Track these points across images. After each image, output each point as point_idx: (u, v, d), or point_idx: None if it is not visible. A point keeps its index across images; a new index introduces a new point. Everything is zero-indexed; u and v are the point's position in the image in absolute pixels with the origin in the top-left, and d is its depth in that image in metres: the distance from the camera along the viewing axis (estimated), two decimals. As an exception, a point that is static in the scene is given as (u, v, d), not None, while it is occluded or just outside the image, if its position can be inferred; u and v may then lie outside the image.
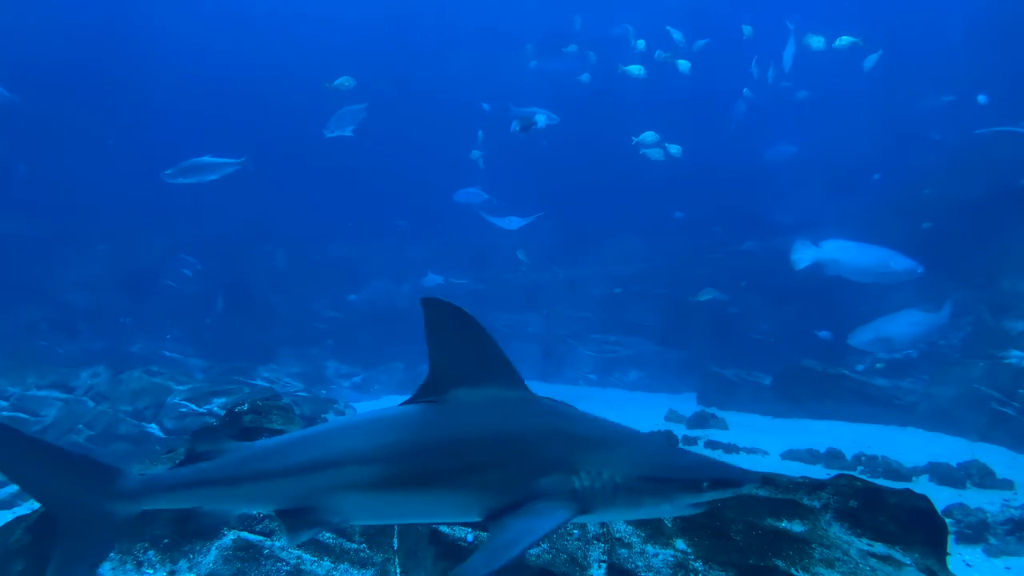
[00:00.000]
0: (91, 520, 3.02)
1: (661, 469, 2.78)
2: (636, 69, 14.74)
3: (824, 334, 13.62)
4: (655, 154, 14.56)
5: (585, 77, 18.64)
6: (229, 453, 3.06)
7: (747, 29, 17.07)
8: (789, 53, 16.51)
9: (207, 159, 11.78)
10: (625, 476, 2.69)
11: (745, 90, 18.55)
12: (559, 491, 2.68)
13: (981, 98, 15.38)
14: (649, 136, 14.30)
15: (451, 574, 2.45)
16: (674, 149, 14.61)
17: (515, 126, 12.41)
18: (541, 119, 14.03)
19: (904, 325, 12.43)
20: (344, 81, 13.09)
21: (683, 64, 15.44)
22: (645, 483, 2.72)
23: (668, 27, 17.27)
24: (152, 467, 4.97)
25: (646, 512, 2.94)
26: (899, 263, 11.46)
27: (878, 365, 13.57)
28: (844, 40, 13.62)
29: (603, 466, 2.71)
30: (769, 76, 17.71)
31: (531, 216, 16.54)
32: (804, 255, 11.86)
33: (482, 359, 2.94)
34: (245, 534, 4.63)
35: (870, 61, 15.22)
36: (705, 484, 2.74)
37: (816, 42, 14.28)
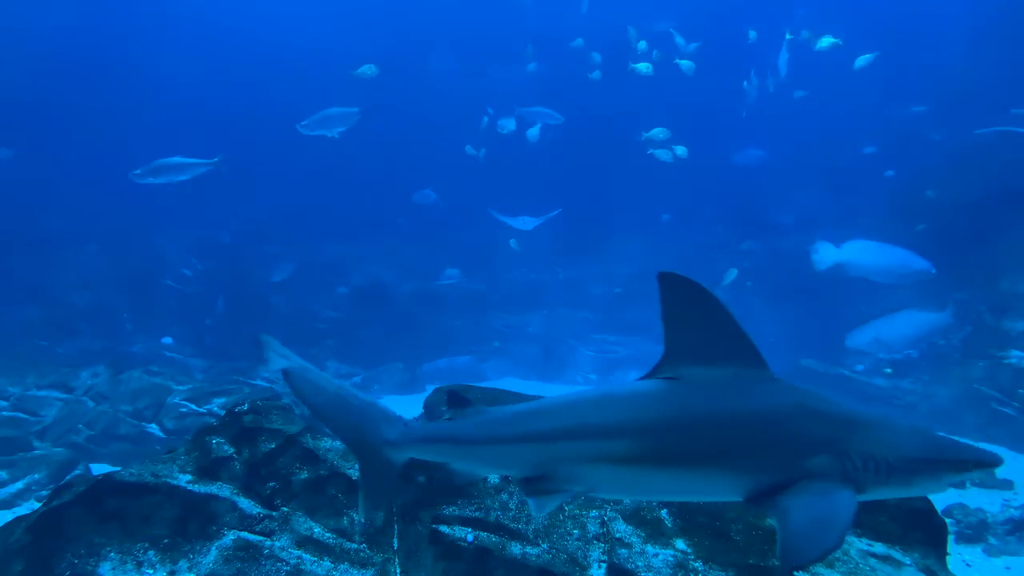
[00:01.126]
0: (374, 460, 3.34)
1: (930, 450, 2.78)
2: (644, 67, 14.71)
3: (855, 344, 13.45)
4: (663, 155, 14.53)
5: (596, 75, 18.57)
6: (479, 415, 3.18)
7: (752, 34, 17.05)
8: (784, 60, 16.52)
9: (177, 159, 11.65)
10: (899, 457, 2.69)
11: (745, 83, 18.47)
12: (830, 472, 2.65)
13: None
14: (659, 132, 14.25)
15: (782, 558, 2.44)
16: (680, 150, 14.59)
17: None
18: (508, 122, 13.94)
19: (902, 326, 12.44)
20: (367, 69, 13.01)
21: (687, 65, 15.42)
22: (919, 464, 2.72)
23: (671, 29, 17.26)
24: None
25: (913, 491, 2.93)
26: (917, 263, 11.50)
27: (887, 370, 13.54)
28: (826, 41, 13.66)
29: (873, 447, 2.69)
30: (769, 85, 17.69)
31: (545, 215, 16.40)
32: (826, 256, 11.86)
33: (721, 336, 2.89)
34: (245, 534, 4.63)
35: (862, 60, 15.21)
36: (971, 464, 2.78)
37: (816, 43, 14.28)
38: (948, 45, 18.33)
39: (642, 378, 3.00)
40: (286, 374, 3.42)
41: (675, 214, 20.06)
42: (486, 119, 18.55)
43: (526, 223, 16.34)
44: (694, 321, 2.88)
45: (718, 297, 2.84)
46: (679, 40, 17.02)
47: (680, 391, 2.88)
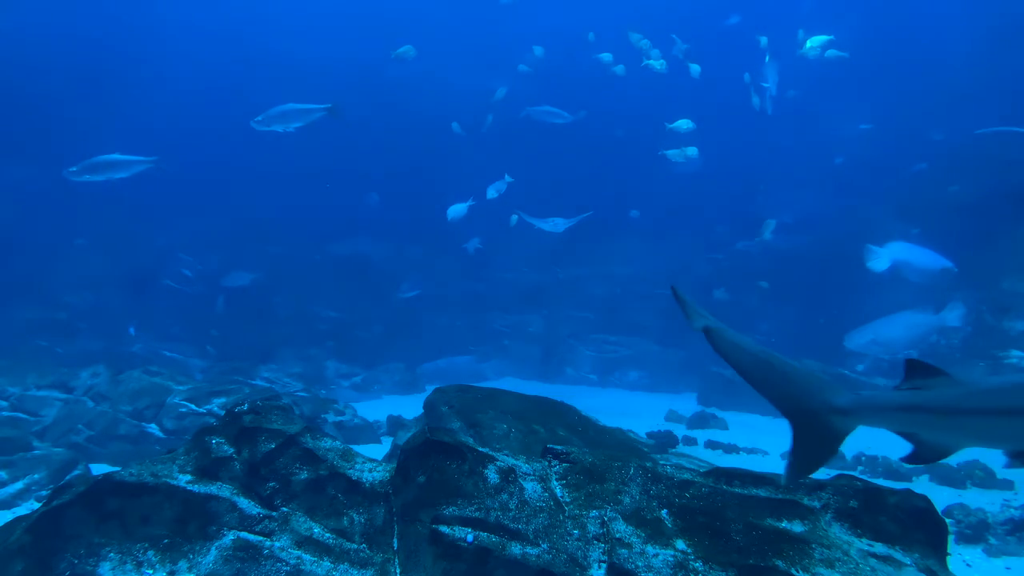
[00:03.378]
0: (816, 427, 3.29)
1: None
2: (659, 64, 14.76)
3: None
4: (675, 155, 14.56)
5: (620, 69, 18.54)
6: (946, 387, 3.06)
7: (763, 40, 17.08)
8: (772, 80, 16.57)
9: (116, 156, 11.40)
10: None
11: (746, 75, 18.45)
12: None
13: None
14: (683, 123, 14.28)
15: None
16: (691, 151, 14.65)
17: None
18: None
19: (902, 327, 12.44)
20: (407, 50, 13.05)
21: (695, 68, 15.48)
22: None
23: (673, 35, 17.27)
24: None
25: None
26: (944, 262, 11.62)
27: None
28: (816, 41, 13.78)
29: None
30: (768, 107, 17.71)
31: (576, 217, 16.31)
32: (881, 259, 11.92)
33: None
34: (245, 534, 4.63)
35: (831, 53, 15.25)
36: None
37: (808, 45, 14.42)
38: (948, 46, 18.35)
39: None
40: (708, 333, 3.39)
41: (675, 214, 20.01)
42: (502, 91, 18.50)
43: (557, 225, 16.25)
44: None
45: None
46: (678, 42, 17.04)
47: None
